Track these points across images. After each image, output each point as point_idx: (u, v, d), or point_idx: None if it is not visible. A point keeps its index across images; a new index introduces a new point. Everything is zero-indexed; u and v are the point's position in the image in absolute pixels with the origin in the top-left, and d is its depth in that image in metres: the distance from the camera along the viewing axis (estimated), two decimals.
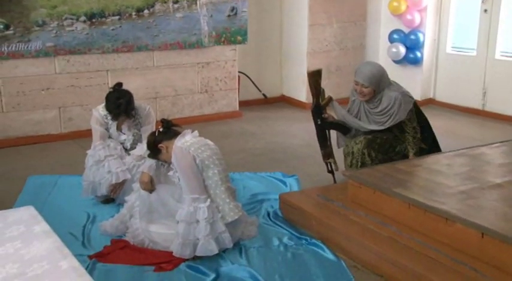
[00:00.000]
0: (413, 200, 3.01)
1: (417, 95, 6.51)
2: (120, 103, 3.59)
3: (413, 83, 6.33)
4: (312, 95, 3.93)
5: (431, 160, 3.69)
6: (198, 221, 2.95)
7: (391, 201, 3.14)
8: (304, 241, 3.21)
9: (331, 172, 4.02)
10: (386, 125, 3.75)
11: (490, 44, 5.96)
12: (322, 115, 3.93)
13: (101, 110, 3.73)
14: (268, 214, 3.58)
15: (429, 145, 3.91)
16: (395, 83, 3.83)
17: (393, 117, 3.71)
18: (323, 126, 3.97)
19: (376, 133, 3.80)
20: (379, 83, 3.71)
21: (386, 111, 3.73)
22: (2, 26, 4.89)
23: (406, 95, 3.73)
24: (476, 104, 6.21)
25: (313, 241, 3.19)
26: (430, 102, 6.71)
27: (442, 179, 3.30)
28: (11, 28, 4.93)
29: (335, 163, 3.99)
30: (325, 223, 3.23)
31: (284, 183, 4.15)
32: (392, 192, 3.14)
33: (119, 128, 3.79)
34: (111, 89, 3.71)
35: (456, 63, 6.40)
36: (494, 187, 3.14)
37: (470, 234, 2.71)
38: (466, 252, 2.73)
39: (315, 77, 3.90)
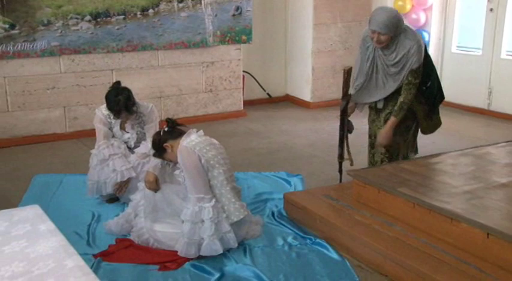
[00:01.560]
0: (418, 199, 3.01)
1: None
2: (119, 100, 3.60)
3: None
4: (344, 94, 3.85)
5: (436, 159, 3.69)
6: (203, 221, 2.96)
7: (396, 201, 3.14)
8: (308, 241, 3.21)
9: (340, 171, 4.00)
10: (401, 78, 3.61)
11: (496, 44, 5.94)
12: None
13: (103, 110, 3.74)
14: (273, 214, 3.58)
15: (433, 95, 3.77)
16: (410, 28, 3.70)
17: (407, 67, 3.58)
18: (350, 126, 3.91)
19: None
20: (396, 28, 3.57)
21: (402, 57, 3.59)
22: (7, 26, 4.91)
23: (420, 45, 3.61)
24: (481, 103, 6.19)
25: (318, 240, 3.19)
26: None
27: (446, 179, 3.30)
28: (17, 28, 4.95)
29: (351, 159, 3.93)
30: (330, 223, 3.23)
31: (288, 182, 4.15)
32: (397, 191, 3.13)
33: (122, 127, 3.80)
34: (110, 89, 3.72)
35: (461, 63, 6.38)
36: (499, 186, 3.13)
37: (475, 234, 2.70)
38: (471, 252, 2.72)
39: (349, 75, 3.81)
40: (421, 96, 3.71)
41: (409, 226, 3.03)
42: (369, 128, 3.93)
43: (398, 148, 3.80)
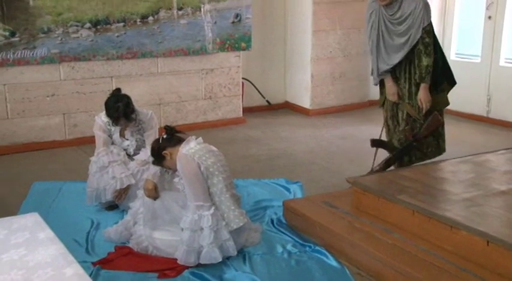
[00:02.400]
0: (418, 207, 3.00)
1: None
2: (118, 107, 3.60)
3: None
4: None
5: (435, 166, 3.69)
6: (202, 229, 2.95)
7: (396, 208, 3.14)
8: (308, 248, 3.21)
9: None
10: (411, 37, 3.63)
11: (495, 51, 5.95)
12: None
13: (103, 117, 3.74)
14: (272, 221, 3.57)
15: (438, 75, 3.83)
16: None
17: (417, 25, 3.62)
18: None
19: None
20: None
21: (409, 15, 3.63)
22: (7, 33, 4.92)
23: (427, 3, 3.66)
24: (480, 110, 6.19)
25: (317, 248, 3.18)
26: None
27: (446, 186, 3.30)
28: (17, 35, 4.96)
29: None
30: (329, 230, 3.22)
31: (288, 189, 4.14)
32: (397, 199, 3.13)
33: (121, 134, 3.80)
34: (110, 95, 3.73)
35: (460, 70, 6.36)
36: (499, 194, 3.13)
37: (475, 241, 2.70)
38: (470, 260, 2.72)
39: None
40: None
41: (408, 234, 3.03)
42: (387, 111, 3.94)
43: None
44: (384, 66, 3.86)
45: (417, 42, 3.68)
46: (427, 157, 3.96)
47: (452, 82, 3.98)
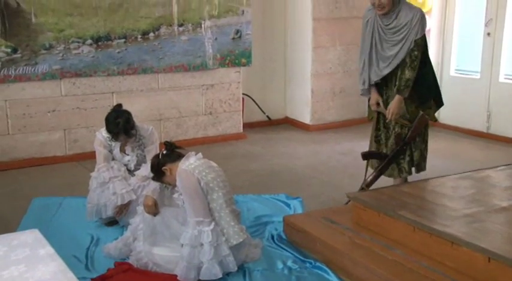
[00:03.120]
0: (418, 223, 3.00)
1: None
2: (118, 122, 3.61)
3: None
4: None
5: (436, 182, 3.69)
6: (202, 245, 2.94)
7: (396, 224, 3.13)
8: (308, 264, 3.19)
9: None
10: (405, 48, 3.61)
11: (494, 67, 5.98)
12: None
13: (104, 133, 3.75)
14: (272, 237, 3.56)
15: (425, 91, 3.79)
16: (410, 3, 3.74)
17: (412, 36, 3.59)
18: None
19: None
20: None
21: (404, 25, 3.60)
22: (9, 50, 4.95)
23: (423, 16, 3.63)
24: (480, 126, 6.20)
25: (318, 264, 3.17)
26: (434, 124, 6.70)
27: (447, 202, 3.29)
28: (19, 52, 4.98)
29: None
30: (330, 246, 3.21)
31: (288, 205, 4.14)
32: (397, 215, 3.12)
33: (122, 150, 3.80)
34: (111, 111, 3.75)
35: (460, 86, 6.42)
36: (499, 210, 3.12)
37: (476, 258, 2.69)
38: (472, 276, 2.70)
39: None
40: (414, 84, 3.70)
41: (409, 250, 3.01)
42: (379, 123, 3.91)
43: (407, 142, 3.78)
44: (375, 77, 3.83)
45: (405, 54, 3.66)
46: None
47: (439, 103, 3.94)
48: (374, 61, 3.81)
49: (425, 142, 3.91)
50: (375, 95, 3.90)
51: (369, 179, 3.83)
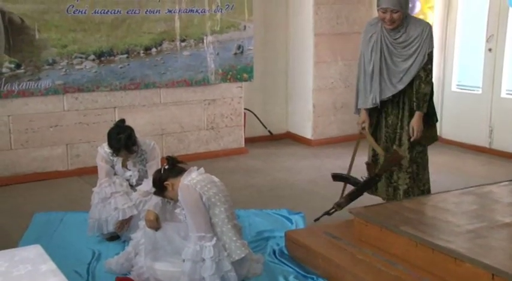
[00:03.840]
0: (421, 238, 2.98)
1: None
2: (120, 138, 3.62)
3: None
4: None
5: (438, 198, 3.67)
6: (204, 260, 2.93)
7: (399, 239, 3.11)
8: (310, 280, 3.18)
9: (327, 213, 3.92)
10: (417, 62, 3.52)
11: (496, 83, 5.99)
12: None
13: (106, 148, 3.75)
14: (274, 252, 3.55)
15: (431, 109, 3.72)
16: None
17: (423, 50, 3.52)
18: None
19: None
20: (407, 4, 3.50)
21: (415, 38, 3.51)
22: (13, 66, 4.98)
23: (431, 29, 3.58)
24: (483, 141, 6.20)
25: (320, 279, 3.16)
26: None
27: (449, 218, 3.28)
28: (22, 67, 5.01)
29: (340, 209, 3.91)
30: (332, 261, 3.20)
31: (290, 220, 4.13)
32: (400, 230, 3.11)
33: (124, 165, 3.80)
34: (113, 126, 3.76)
35: (462, 101, 6.43)
36: (503, 226, 3.10)
37: (479, 274, 2.67)
38: None
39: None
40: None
41: (412, 265, 2.99)
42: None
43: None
44: (388, 93, 3.70)
45: (418, 68, 3.59)
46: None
47: (436, 119, 3.90)
48: (386, 77, 3.69)
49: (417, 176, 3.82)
50: (364, 116, 3.85)
51: (338, 203, 3.81)
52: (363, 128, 3.87)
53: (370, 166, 3.76)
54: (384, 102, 3.80)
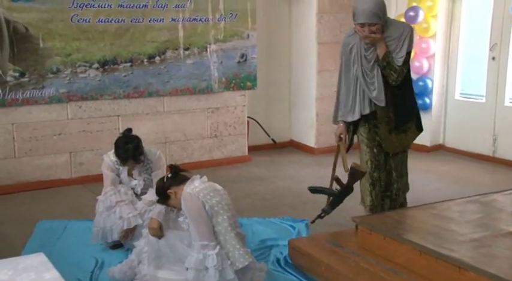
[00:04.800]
0: (424, 247, 2.97)
1: (427, 141, 6.53)
2: (127, 148, 3.63)
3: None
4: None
5: (442, 206, 3.66)
6: (207, 269, 2.92)
7: (402, 248, 3.10)
8: None
9: (319, 217, 3.92)
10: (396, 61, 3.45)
11: (499, 91, 5.99)
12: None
13: (112, 156, 3.76)
14: (278, 260, 3.54)
15: (402, 112, 3.67)
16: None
17: (401, 45, 3.43)
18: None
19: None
20: (384, 15, 3.40)
21: (396, 37, 3.43)
22: (17, 74, 5.00)
23: (412, 29, 3.51)
24: (486, 150, 6.19)
25: None
26: (440, 148, 6.71)
27: (453, 226, 3.27)
28: (26, 76, 5.04)
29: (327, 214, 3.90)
30: (335, 270, 3.19)
31: (293, 228, 4.12)
32: (403, 239, 3.10)
33: (129, 174, 3.81)
34: (121, 135, 3.76)
35: (465, 110, 6.43)
36: (506, 234, 3.09)
37: None
38: None
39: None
40: (390, 104, 3.63)
41: (415, 274, 2.98)
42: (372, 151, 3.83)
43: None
44: (379, 102, 3.63)
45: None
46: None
47: (420, 128, 3.85)
48: (366, 87, 3.63)
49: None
50: (342, 127, 3.84)
51: (326, 207, 3.83)
52: (340, 140, 3.85)
53: (338, 180, 3.73)
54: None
